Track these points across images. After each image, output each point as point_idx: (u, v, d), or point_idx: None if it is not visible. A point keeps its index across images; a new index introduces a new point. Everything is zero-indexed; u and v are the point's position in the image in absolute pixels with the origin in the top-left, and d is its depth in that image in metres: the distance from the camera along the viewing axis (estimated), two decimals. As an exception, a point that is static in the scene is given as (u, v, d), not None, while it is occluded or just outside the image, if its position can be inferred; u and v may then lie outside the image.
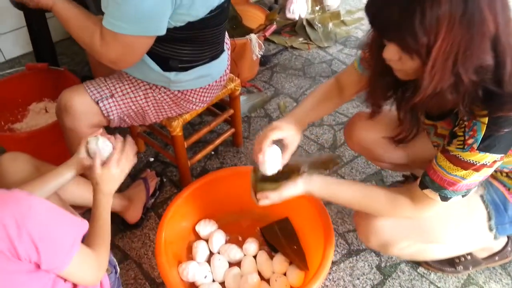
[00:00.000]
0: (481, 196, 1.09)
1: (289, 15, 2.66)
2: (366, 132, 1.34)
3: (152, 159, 1.90)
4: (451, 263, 1.38)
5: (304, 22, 2.59)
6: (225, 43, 1.50)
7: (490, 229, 1.11)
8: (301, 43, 2.50)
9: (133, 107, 1.43)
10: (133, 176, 1.79)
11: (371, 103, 1.14)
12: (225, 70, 1.53)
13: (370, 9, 0.88)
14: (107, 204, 1.07)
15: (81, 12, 1.25)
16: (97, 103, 1.37)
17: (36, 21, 1.86)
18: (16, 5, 1.52)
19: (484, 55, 0.81)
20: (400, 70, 0.94)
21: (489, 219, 1.09)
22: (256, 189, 1.12)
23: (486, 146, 0.88)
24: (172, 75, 1.37)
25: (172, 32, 1.24)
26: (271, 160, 1.10)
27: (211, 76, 1.46)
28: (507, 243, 1.37)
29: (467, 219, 1.10)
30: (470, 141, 0.89)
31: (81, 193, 1.36)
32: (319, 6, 2.68)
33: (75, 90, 1.38)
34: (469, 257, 1.35)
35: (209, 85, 1.47)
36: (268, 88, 2.24)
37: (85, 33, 1.22)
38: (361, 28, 2.62)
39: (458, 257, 1.36)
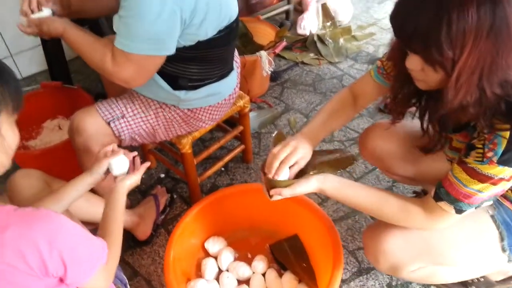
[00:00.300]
0: (492, 216, 1.07)
1: (300, 31, 2.67)
2: (382, 142, 1.33)
3: (163, 175, 1.91)
4: (463, 283, 1.35)
5: (315, 38, 2.60)
6: (234, 61, 1.52)
7: (503, 250, 1.08)
8: (312, 59, 2.51)
9: (143, 126, 1.45)
10: (144, 193, 1.80)
11: (393, 110, 1.13)
12: (235, 88, 1.54)
13: (394, 19, 0.88)
14: (121, 201, 1.09)
15: (90, 36, 1.29)
16: (109, 123, 1.39)
17: (51, 41, 1.90)
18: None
19: (510, 70, 0.80)
20: (422, 80, 0.93)
21: (502, 239, 1.07)
22: (268, 185, 1.11)
23: (506, 160, 0.86)
24: (182, 93, 1.39)
25: (182, 51, 1.27)
26: (283, 176, 1.11)
27: (220, 94, 1.47)
28: None
29: (478, 240, 1.07)
30: (489, 154, 0.87)
31: (92, 209, 1.38)
32: (330, 22, 2.69)
33: (86, 112, 1.41)
34: (482, 279, 1.32)
35: (218, 103, 1.49)
36: (278, 104, 2.24)
37: (96, 55, 1.25)
38: (372, 43, 2.62)
39: (471, 279, 1.33)
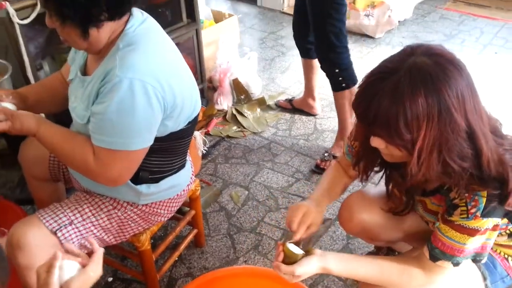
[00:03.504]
0: (473, 260, 1.17)
1: (218, 106, 2.73)
2: (367, 215, 1.35)
3: (110, 279, 1.74)
4: None
5: (234, 111, 2.68)
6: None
7: None
8: (236, 132, 2.57)
9: (94, 230, 1.32)
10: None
11: (358, 173, 1.20)
12: (191, 177, 1.51)
13: (356, 107, 0.96)
14: None
15: (67, 135, 1.21)
16: (55, 233, 1.24)
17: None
18: None
19: (462, 147, 0.91)
20: (388, 154, 1.01)
21: (484, 279, 1.16)
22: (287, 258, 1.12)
23: (487, 213, 0.96)
24: (143, 187, 1.31)
25: None
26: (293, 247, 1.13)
27: (179, 186, 1.43)
28: None
29: (467, 283, 1.15)
30: (473, 210, 0.97)
31: None
32: (244, 95, 2.81)
33: (27, 222, 1.25)
34: None
35: (177, 194, 1.44)
36: (216, 180, 2.22)
37: (76, 156, 1.17)
38: (286, 110, 2.76)
39: None
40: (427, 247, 1.07)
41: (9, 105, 1.23)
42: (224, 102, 2.74)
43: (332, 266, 1.09)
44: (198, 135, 2.05)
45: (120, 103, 1.08)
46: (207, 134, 2.14)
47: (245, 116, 2.67)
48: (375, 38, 3.54)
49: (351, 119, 2.22)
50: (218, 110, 2.74)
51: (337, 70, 2.11)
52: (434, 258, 1.05)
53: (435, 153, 0.91)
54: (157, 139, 1.21)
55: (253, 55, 2.94)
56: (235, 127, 2.61)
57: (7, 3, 1.59)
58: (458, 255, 1.02)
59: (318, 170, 2.24)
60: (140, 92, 1.08)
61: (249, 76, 2.88)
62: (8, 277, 0.79)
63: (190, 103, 1.27)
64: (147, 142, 1.18)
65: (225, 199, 2.11)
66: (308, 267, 1.07)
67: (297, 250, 1.10)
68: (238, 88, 2.82)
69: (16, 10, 1.62)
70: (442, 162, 0.92)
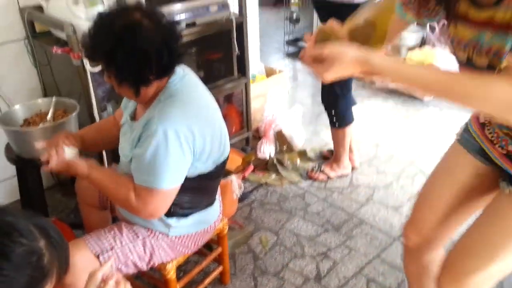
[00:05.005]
0: None
1: (260, 155, 2.91)
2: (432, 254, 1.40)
3: (140, 304, 1.89)
4: None
5: (275, 161, 2.84)
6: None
7: None
8: (274, 180, 2.71)
9: (130, 256, 1.49)
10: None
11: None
12: (219, 216, 1.67)
13: None
14: None
15: (113, 176, 1.41)
16: (98, 257, 1.42)
17: (31, 174, 1.96)
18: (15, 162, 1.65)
19: None
20: None
21: None
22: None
23: None
24: (173, 220, 1.48)
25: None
26: None
27: (206, 222, 1.59)
28: None
29: None
30: None
31: None
32: (285, 146, 2.97)
33: (75, 246, 1.42)
34: None
35: (204, 229, 1.59)
36: (248, 223, 2.36)
37: (120, 194, 1.36)
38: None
39: None
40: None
41: (71, 149, 1.46)
42: (267, 151, 2.92)
43: (376, 60, 0.90)
44: (234, 179, 2.22)
45: (156, 148, 1.28)
46: (243, 179, 2.30)
47: (285, 166, 2.82)
48: (424, 100, 3.61)
49: (345, 151, 2.66)
50: (261, 158, 2.91)
51: (332, 110, 2.52)
52: None
53: None
54: (187, 179, 1.39)
55: (299, 108, 3.12)
56: (274, 175, 2.76)
57: (83, 53, 1.91)
58: None
59: (307, 178, 2.68)
60: (173, 139, 1.28)
61: (293, 128, 3.05)
62: (68, 268, 0.90)
63: (218, 149, 1.44)
64: (179, 181, 1.36)
65: (255, 241, 2.23)
66: (342, 47, 0.90)
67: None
68: (281, 139, 2.99)
69: (89, 59, 1.93)
70: None
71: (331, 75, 0.92)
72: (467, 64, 1.06)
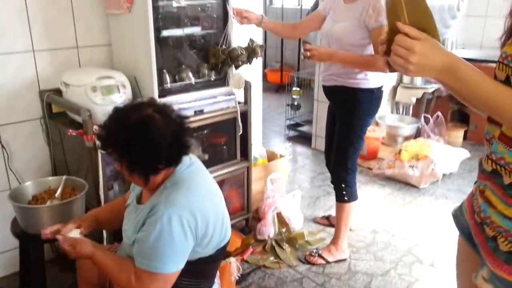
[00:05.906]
0: None
1: (259, 236, 2.94)
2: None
3: None
4: None
5: (273, 243, 2.87)
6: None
7: None
8: (272, 262, 2.72)
9: None
10: None
11: None
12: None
13: None
14: None
15: (115, 258, 1.47)
16: None
17: (33, 246, 1.99)
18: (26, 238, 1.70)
19: None
20: None
21: None
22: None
23: None
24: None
25: None
26: None
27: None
28: None
29: None
30: None
31: None
32: (285, 228, 3.01)
33: None
34: None
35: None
36: (245, 308, 2.34)
37: (122, 275, 1.41)
38: (323, 247, 2.90)
39: None
40: None
41: (75, 230, 1.54)
42: (266, 233, 2.95)
43: (462, 63, 0.89)
44: (233, 262, 2.24)
45: (159, 233, 1.34)
46: (242, 261, 2.32)
47: (283, 249, 2.84)
48: (419, 188, 3.70)
49: (346, 230, 2.74)
50: (259, 240, 2.94)
51: (343, 185, 2.64)
52: None
53: None
54: (187, 262, 1.44)
55: (298, 192, 3.20)
56: (272, 258, 2.77)
57: (95, 136, 2.03)
58: None
59: (305, 262, 2.70)
60: (176, 224, 1.35)
61: (292, 211, 3.11)
62: None
63: (220, 234, 1.51)
64: (180, 265, 1.41)
65: (251, 327, 2.20)
66: (435, 50, 0.86)
67: None
68: (280, 222, 3.03)
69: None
70: None
71: (416, 72, 0.89)
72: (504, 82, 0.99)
